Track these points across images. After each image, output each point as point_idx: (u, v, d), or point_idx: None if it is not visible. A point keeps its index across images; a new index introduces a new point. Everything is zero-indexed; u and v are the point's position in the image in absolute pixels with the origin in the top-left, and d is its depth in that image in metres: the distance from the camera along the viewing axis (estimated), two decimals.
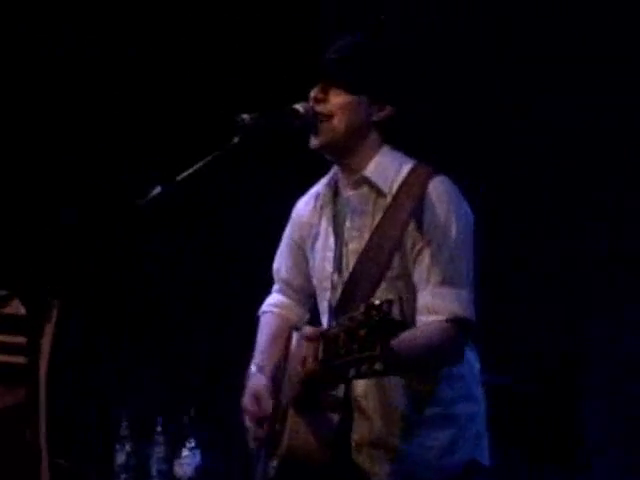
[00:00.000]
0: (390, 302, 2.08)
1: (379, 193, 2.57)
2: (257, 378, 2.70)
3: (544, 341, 4.44)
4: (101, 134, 5.08)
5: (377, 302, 2.09)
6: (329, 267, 2.64)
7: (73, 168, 5.11)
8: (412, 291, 2.51)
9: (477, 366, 2.64)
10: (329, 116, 2.56)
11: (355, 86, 2.55)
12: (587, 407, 4.41)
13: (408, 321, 2.34)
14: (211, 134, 2.60)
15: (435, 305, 2.46)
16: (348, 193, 2.63)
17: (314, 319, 2.81)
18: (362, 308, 2.11)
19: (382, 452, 2.53)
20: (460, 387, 2.58)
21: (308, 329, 2.52)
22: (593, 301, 4.40)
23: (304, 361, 2.31)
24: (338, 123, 2.55)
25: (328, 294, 2.65)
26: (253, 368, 2.74)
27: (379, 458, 2.54)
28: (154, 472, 4.54)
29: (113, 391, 4.99)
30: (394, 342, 2.11)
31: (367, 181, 2.59)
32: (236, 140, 2.49)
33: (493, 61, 4.44)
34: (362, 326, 2.09)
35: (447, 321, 2.44)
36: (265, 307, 2.92)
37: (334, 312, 2.61)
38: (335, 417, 2.43)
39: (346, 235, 2.61)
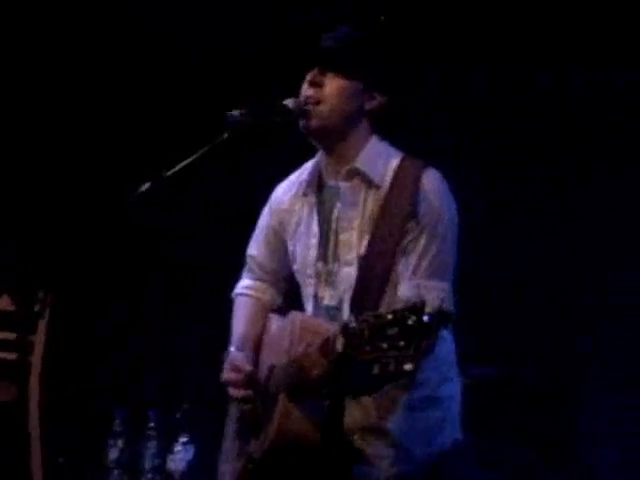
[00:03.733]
0: (424, 304, 2.07)
1: (370, 184, 2.60)
2: (234, 354, 2.72)
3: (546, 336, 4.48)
4: (91, 130, 5.08)
5: (414, 303, 2.07)
6: (313, 255, 2.66)
7: (62, 164, 5.11)
8: None
9: (453, 347, 2.67)
10: (320, 101, 2.57)
11: (352, 71, 2.56)
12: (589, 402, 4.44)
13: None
14: (200, 130, 2.61)
15: (421, 298, 2.48)
16: (338, 184, 2.64)
17: (292, 303, 2.82)
18: (393, 308, 2.11)
19: (376, 436, 2.56)
20: (444, 370, 2.62)
21: (303, 317, 2.55)
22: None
23: (306, 351, 2.34)
24: (330, 107, 2.57)
25: (312, 281, 2.67)
26: (232, 349, 2.76)
27: (373, 442, 2.57)
28: (147, 467, 4.55)
29: (106, 386, 4.99)
30: None
31: (358, 172, 2.61)
32: (225, 136, 2.51)
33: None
34: (393, 325, 2.07)
35: None
36: (239, 289, 2.94)
37: (350, 306, 2.60)
38: (326, 402, 2.44)
39: (335, 225, 2.63)
